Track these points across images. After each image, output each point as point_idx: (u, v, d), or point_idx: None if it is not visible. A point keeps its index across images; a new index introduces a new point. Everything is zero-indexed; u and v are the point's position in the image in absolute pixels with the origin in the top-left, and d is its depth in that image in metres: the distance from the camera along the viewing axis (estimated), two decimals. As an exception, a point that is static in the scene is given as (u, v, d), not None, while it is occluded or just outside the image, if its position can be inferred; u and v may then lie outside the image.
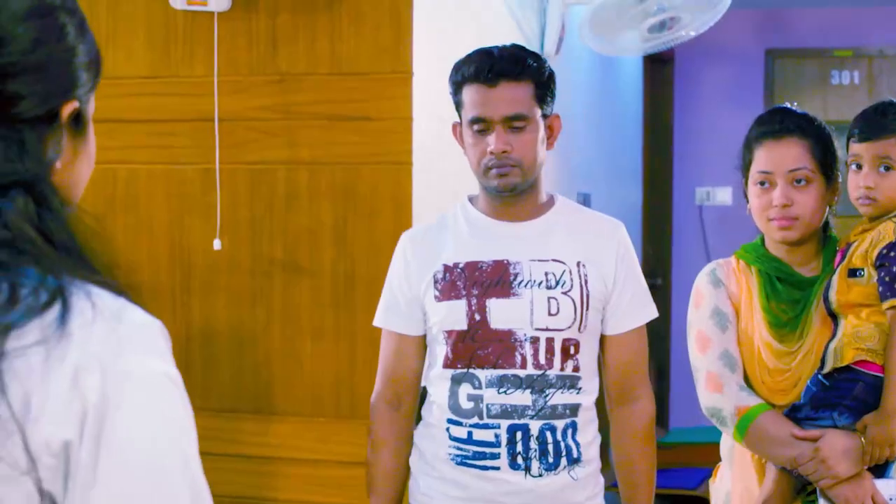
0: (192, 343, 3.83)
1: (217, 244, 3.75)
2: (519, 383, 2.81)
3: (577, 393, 2.85)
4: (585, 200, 5.92)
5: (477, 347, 2.83)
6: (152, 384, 1.24)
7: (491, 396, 2.81)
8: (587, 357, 2.88)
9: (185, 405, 1.28)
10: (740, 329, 2.90)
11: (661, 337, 7.56)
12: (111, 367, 1.20)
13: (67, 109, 1.34)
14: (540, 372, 2.81)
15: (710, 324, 2.91)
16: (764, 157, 2.88)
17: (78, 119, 1.36)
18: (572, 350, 2.84)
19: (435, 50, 3.78)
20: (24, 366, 1.17)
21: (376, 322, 3.00)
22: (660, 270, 7.97)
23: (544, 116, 2.86)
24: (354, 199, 3.69)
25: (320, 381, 3.73)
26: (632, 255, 2.95)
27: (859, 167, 2.82)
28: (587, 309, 2.85)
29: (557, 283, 2.84)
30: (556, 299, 2.82)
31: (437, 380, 2.90)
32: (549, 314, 2.82)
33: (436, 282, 2.88)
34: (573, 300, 2.84)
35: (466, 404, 2.84)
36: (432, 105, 3.73)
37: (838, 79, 8.08)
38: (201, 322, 3.83)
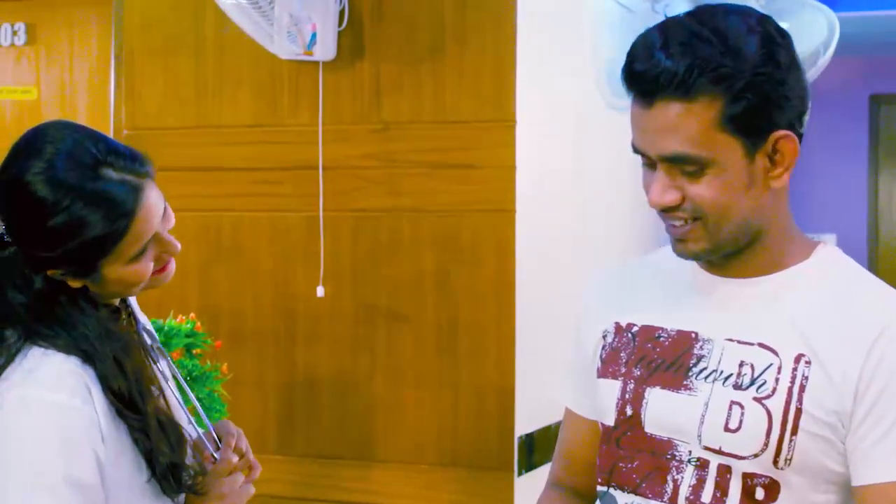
0: (295, 390, 3.85)
1: (320, 291, 3.77)
2: None
3: None
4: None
5: (620, 457, 1.88)
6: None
7: None
8: None
9: None
10: None
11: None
12: None
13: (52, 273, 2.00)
14: None
15: None
16: None
17: (76, 275, 1.99)
18: (761, 494, 1.74)
19: (538, 98, 3.78)
20: None
21: (563, 400, 2.11)
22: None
23: (753, 144, 1.80)
24: (457, 246, 3.69)
25: (422, 428, 3.73)
26: None
27: None
28: (793, 432, 1.73)
29: (752, 381, 1.76)
30: (741, 406, 1.76)
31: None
32: (727, 428, 1.76)
33: (603, 346, 1.96)
34: (769, 413, 1.74)
35: None
36: (535, 153, 3.73)
37: (946, 124, 7.97)
38: (304, 369, 3.85)
